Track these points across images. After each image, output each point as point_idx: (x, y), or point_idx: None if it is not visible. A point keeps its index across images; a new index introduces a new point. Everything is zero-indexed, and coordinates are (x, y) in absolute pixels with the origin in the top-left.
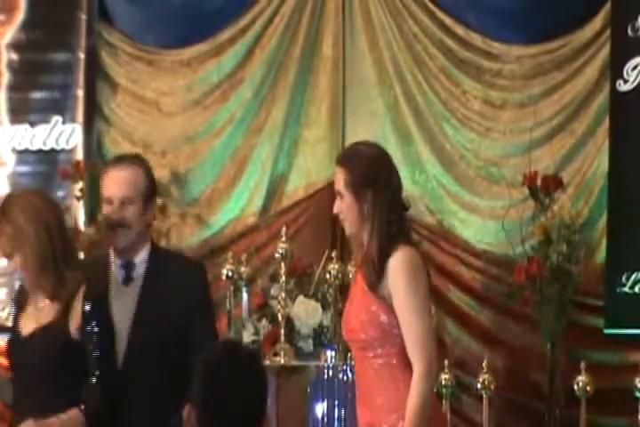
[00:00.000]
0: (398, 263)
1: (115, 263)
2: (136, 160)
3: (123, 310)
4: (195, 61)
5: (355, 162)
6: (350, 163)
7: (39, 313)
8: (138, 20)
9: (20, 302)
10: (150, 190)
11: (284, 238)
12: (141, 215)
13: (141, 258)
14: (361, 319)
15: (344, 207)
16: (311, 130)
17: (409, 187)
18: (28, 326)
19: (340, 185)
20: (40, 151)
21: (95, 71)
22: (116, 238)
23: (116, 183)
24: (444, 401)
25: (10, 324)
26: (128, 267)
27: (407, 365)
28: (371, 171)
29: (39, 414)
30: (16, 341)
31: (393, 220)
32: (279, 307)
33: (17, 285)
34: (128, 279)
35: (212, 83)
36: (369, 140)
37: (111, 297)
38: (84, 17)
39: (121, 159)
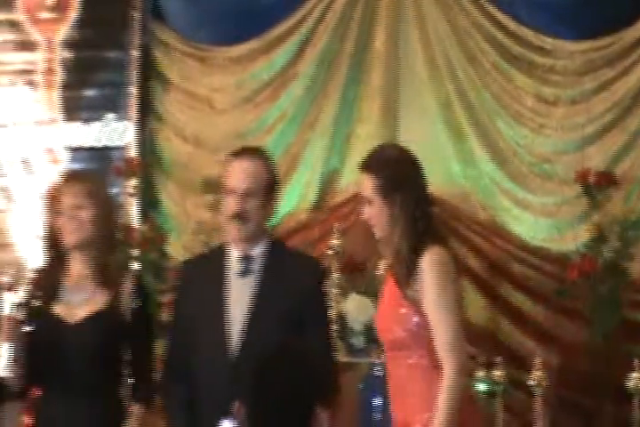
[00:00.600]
0: (428, 264)
1: (232, 255)
2: (258, 152)
3: (238, 302)
4: (246, 58)
5: (381, 167)
6: (377, 168)
7: (89, 299)
8: (190, 18)
9: (49, 289)
10: (271, 183)
11: (336, 235)
12: (262, 208)
13: (259, 251)
14: (391, 320)
15: (373, 213)
16: (363, 126)
17: (462, 183)
18: (71, 313)
19: (368, 191)
20: (93, 149)
21: (147, 69)
22: (236, 230)
23: (238, 175)
24: (496, 398)
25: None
26: (246, 259)
27: (438, 365)
28: (398, 174)
29: (85, 400)
30: (58, 328)
31: (419, 217)
32: (331, 303)
33: (36, 272)
34: (245, 272)
35: (263, 80)
36: (390, 142)
37: (227, 289)
38: (136, 15)
39: (243, 151)
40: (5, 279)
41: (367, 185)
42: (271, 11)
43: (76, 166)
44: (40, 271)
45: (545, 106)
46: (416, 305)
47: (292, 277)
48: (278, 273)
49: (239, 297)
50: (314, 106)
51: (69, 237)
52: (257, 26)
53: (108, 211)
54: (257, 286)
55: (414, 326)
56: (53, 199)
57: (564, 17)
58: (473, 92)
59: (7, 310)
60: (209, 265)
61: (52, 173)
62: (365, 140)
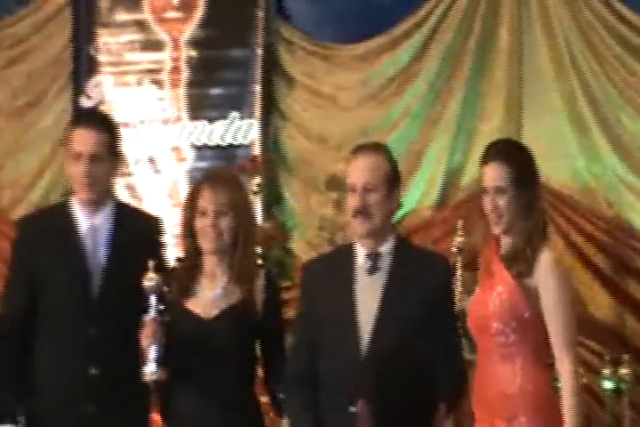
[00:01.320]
0: (551, 262)
1: (359, 253)
2: (378, 148)
3: (367, 299)
4: (370, 55)
5: (516, 157)
6: (513, 158)
7: (224, 295)
8: (313, 17)
9: (186, 286)
10: (393, 178)
11: (460, 232)
12: (384, 203)
13: (387, 248)
14: (504, 308)
15: (504, 203)
16: (487, 122)
17: (586, 178)
18: (207, 310)
19: (500, 181)
20: (218, 147)
21: (272, 67)
22: (359, 226)
23: (358, 170)
24: (623, 396)
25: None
26: (374, 257)
27: (537, 359)
28: (532, 165)
29: (218, 397)
30: (194, 324)
31: (544, 211)
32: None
33: (172, 270)
34: (373, 269)
35: (388, 76)
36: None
37: (356, 286)
38: (261, 14)
39: (362, 148)
40: (149, 283)
41: (500, 175)
42: (394, 8)
43: (202, 165)
44: (177, 269)
45: None
46: (531, 297)
47: (421, 274)
48: (406, 270)
49: (368, 295)
50: (438, 102)
51: (207, 244)
52: (380, 23)
53: (247, 219)
54: (386, 283)
55: (527, 317)
56: (194, 199)
57: None
58: (597, 86)
59: (152, 313)
60: (336, 263)
61: (178, 172)
62: (489, 136)
